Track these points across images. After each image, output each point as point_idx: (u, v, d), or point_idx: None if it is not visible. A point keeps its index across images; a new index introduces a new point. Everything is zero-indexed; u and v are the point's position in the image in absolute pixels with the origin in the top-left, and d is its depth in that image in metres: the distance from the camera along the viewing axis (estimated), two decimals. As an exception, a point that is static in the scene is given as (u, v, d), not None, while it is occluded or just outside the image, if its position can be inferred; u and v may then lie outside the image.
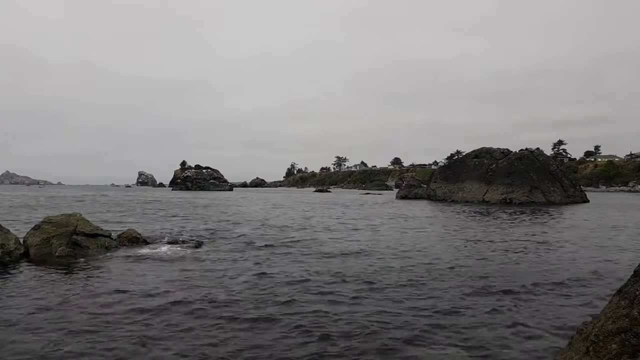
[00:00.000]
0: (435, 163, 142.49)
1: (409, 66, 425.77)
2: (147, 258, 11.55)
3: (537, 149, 53.92)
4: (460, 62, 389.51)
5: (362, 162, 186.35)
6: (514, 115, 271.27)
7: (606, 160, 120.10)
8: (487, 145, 49.89)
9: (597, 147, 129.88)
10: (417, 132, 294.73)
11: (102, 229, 12.77)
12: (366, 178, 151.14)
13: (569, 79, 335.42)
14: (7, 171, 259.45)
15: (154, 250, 12.78)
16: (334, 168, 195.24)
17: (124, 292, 8.02)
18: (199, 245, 13.28)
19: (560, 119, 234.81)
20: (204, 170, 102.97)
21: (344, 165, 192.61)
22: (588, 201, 43.88)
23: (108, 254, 11.78)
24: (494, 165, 45.60)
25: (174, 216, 25.67)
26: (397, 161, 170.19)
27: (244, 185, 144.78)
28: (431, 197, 49.03)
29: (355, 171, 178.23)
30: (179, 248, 13.01)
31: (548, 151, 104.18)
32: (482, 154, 48.18)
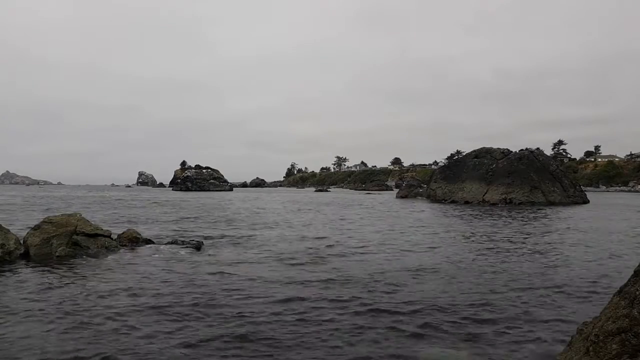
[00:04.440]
0: (436, 163, 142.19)
1: (410, 65, 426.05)
2: (146, 259, 11.55)
3: (537, 149, 53.87)
4: (461, 61, 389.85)
5: (362, 162, 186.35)
6: (516, 114, 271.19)
7: (606, 160, 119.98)
8: (488, 145, 49.90)
9: (597, 147, 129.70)
10: (418, 132, 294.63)
11: (102, 229, 12.76)
12: (366, 178, 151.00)
13: (570, 78, 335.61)
14: (7, 171, 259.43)
15: (154, 251, 12.78)
16: (334, 168, 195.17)
17: (123, 292, 8.02)
18: (198, 246, 13.28)
19: (560, 119, 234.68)
20: (204, 170, 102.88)
21: (344, 165, 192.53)
22: (588, 201, 43.85)
23: (108, 254, 11.78)
24: (494, 165, 45.57)
25: (174, 216, 25.68)
26: (397, 161, 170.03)
27: (244, 185, 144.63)
28: (431, 197, 48.99)
29: (355, 171, 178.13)
30: (178, 249, 13.00)
31: (548, 151, 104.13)
32: (482, 154, 48.14)
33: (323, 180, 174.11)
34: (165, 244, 13.71)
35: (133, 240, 13.28)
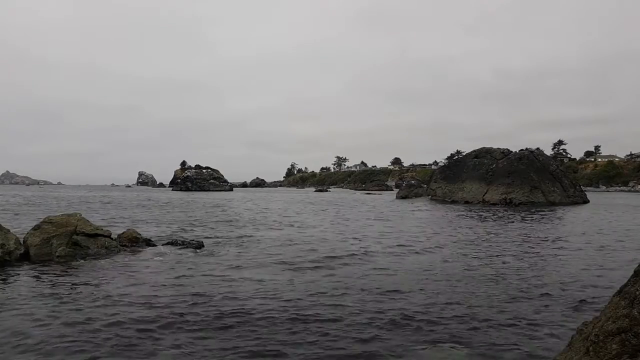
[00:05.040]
0: (436, 163, 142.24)
1: (410, 65, 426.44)
2: (146, 259, 11.56)
3: (537, 149, 53.82)
4: (461, 61, 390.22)
5: (362, 162, 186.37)
6: (516, 114, 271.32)
7: (606, 160, 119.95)
8: (488, 145, 49.89)
9: (597, 147, 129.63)
10: (418, 131, 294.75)
11: (102, 229, 12.75)
12: (366, 178, 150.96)
13: (570, 78, 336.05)
14: (7, 171, 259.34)
15: (154, 251, 12.78)
16: (334, 168, 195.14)
17: (121, 294, 8.00)
18: (199, 247, 13.27)
19: (560, 119, 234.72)
20: (204, 170, 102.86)
21: (344, 165, 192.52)
22: (588, 201, 43.85)
23: (108, 254, 11.77)
24: (494, 165, 45.56)
25: (175, 216, 25.67)
26: (397, 161, 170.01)
27: (244, 185, 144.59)
28: (431, 197, 49.00)
29: (355, 171, 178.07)
30: (178, 249, 13.00)
31: (548, 151, 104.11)
32: (482, 154, 48.13)
33: (323, 180, 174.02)
34: (165, 244, 13.70)
35: (133, 241, 13.27)
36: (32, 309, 6.94)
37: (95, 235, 12.21)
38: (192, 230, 18.25)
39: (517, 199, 40.83)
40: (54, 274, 9.58)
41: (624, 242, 15.23)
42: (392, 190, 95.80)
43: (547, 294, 8.12)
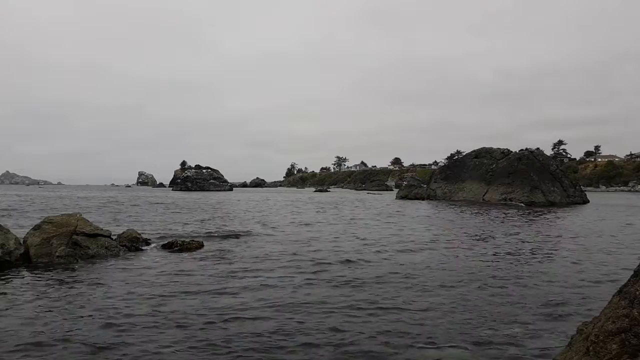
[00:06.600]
0: (436, 163, 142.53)
1: (411, 65, 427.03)
2: (146, 259, 11.55)
3: (537, 149, 53.97)
4: (462, 61, 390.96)
5: (362, 162, 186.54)
6: (516, 114, 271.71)
7: (606, 160, 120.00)
8: (488, 145, 49.95)
9: (597, 147, 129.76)
10: (418, 131, 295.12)
11: (102, 229, 12.75)
12: (366, 178, 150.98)
13: (570, 78, 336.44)
14: (7, 171, 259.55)
15: (153, 251, 12.79)
16: (334, 168, 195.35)
17: (119, 295, 7.99)
18: (199, 247, 13.26)
19: (560, 119, 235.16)
20: (204, 170, 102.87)
21: (344, 165, 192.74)
22: (588, 201, 43.84)
23: (108, 254, 11.78)
24: (494, 165, 45.60)
25: (175, 217, 25.66)
26: (397, 161, 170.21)
27: (244, 185, 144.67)
28: (431, 197, 49.03)
29: (355, 171, 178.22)
30: (178, 249, 12.99)
31: (548, 151, 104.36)
32: (482, 154, 48.17)
33: (323, 180, 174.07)
34: (165, 244, 13.68)
35: (133, 241, 13.27)
36: (32, 309, 6.94)
37: (95, 235, 12.20)
38: (192, 230, 18.24)
39: (517, 199, 40.84)
40: (54, 274, 9.59)
41: (626, 242, 15.22)
42: (392, 190, 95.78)
43: (546, 295, 8.12)
